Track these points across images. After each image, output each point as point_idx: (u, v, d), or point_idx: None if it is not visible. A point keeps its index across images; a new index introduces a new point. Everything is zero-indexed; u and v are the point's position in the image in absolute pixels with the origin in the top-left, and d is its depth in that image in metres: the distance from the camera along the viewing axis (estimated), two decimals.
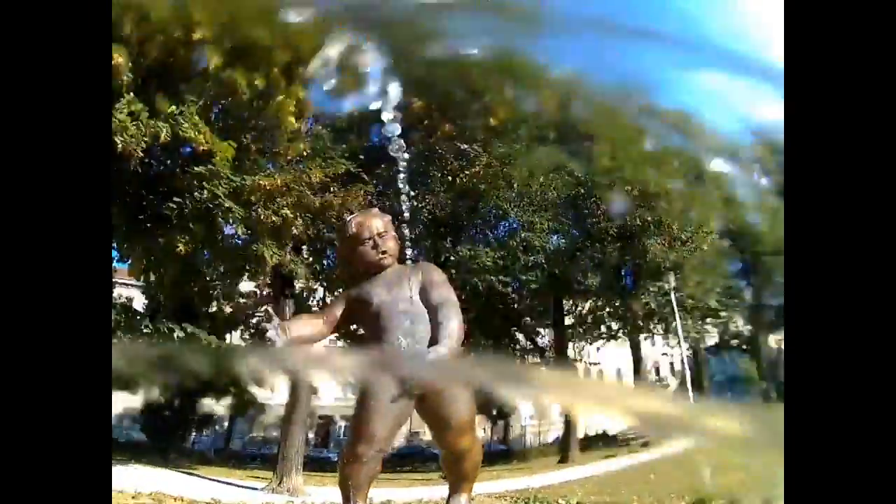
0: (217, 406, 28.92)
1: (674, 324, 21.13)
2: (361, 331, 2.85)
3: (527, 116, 17.05)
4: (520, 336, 26.93)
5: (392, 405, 2.47)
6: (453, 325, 2.47)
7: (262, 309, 2.53)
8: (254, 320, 27.23)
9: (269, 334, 2.42)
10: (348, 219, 2.87)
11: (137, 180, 8.88)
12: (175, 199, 8.58)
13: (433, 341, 2.46)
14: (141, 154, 7.46)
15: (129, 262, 9.70)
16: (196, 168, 8.37)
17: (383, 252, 2.73)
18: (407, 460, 21.86)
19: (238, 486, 12.19)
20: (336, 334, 2.99)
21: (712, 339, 32.00)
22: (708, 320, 24.22)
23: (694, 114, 27.06)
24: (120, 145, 7.04)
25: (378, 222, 2.77)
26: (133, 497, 7.19)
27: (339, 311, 2.77)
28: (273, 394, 34.29)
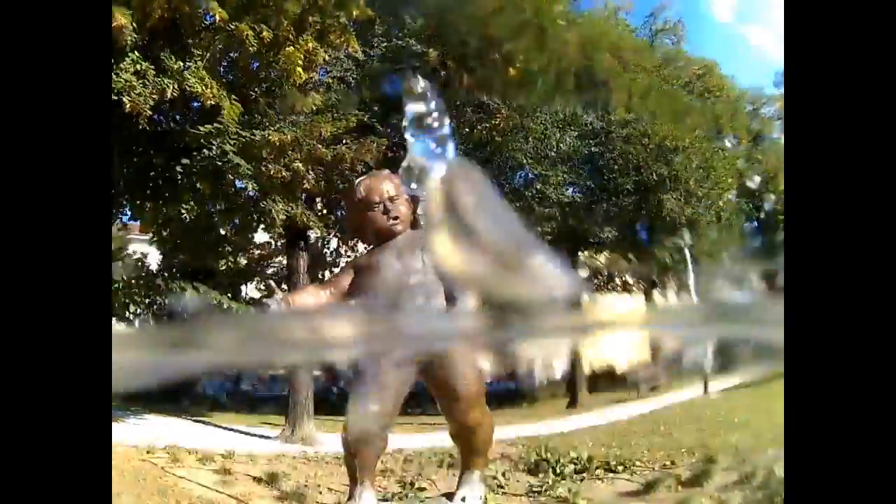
0: None
1: (688, 280, 21.00)
2: None
3: (546, 66, 16.61)
4: None
5: (392, 376, 2.37)
6: (468, 297, 2.29)
7: (264, 285, 2.47)
8: (269, 271, 27.73)
9: (271, 310, 2.35)
10: (357, 182, 2.74)
11: (145, 138, 8.82)
12: (183, 158, 8.53)
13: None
14: (149, 112, 7.36)
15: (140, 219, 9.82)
16: (204, 126, 8.27)
17: (395, 218, 2.59)
18: (415, 399, 22.09)
19: (251, 434, 12.48)
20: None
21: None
22: (722, 278, 24.00)
23: (717, 64, 26.43)
24: (128, 105, 6.96)
25: (389, 185, 2.62)
26: (147, 452, 7.43)
27: (346, 281, 2.65)
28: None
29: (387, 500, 4.28)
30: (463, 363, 2.41)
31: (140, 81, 7.09)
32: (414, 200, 2.65)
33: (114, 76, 6.79)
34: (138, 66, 7.10)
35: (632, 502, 5.23)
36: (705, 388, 16.97)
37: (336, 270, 20.29)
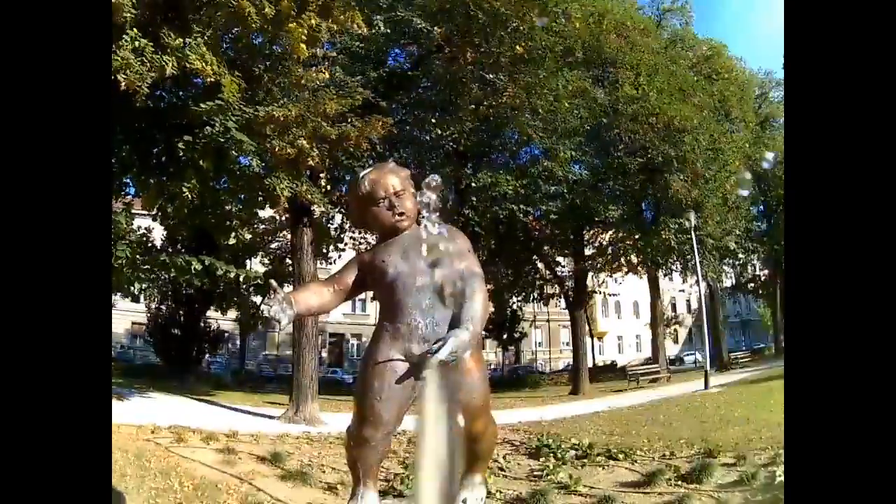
0: (224, 322, 29.44)
1: (692, 262, 20.98)
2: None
3: (554, 43, 16.37)
4: (540, 265, 27.03)
5: (398, 386, 2.29)
6: (477, 305, 2.20)
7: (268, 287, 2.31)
8: (273, 245, 27.70)
9: (272, 312, 2.24)
10: (360, 175, 2.54)
11: (147, 115, 8.69)
12: (185, 135, 8.40)
13: (454, 321, 2.20)
14: (147, 90, 7.22)
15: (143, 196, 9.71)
16: (206, 103, 8.12)
17: (400, 213, 2.45)
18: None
19: (255, 413, 12.54)
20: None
21: (730, 280, 31.84)
22: (726, 261, 23.95)
23: (726, 46, 26.06)
24: (123, 83, 6.82)
25: (395, 179, 2.47)
26: (152, 431, 7.48)
27: (350, 278, 2.53)
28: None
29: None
30: (469, 374, 2.33)
31: (138, 59, 6.93)
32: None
33: None
34: (136, 44, 6.93)
35: (632, 494, 5.24)
36: (706, 383, 17.06)
37: (340, 247, 20.21)
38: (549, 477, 5.93)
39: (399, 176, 2.50)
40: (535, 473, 6.19)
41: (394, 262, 2.39)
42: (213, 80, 7.83)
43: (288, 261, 20.40)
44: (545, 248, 24.92)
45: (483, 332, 2.70)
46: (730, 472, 5.49)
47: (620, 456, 6.56)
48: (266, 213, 17.88)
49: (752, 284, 37.69)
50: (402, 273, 2.36)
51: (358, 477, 2.38)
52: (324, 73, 10.95)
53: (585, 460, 6.58)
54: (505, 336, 32.78)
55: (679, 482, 5.40)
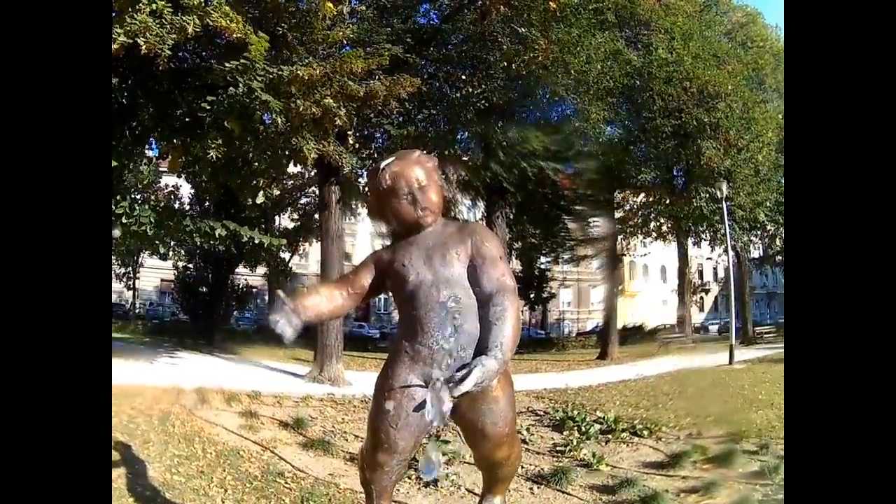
0: (253, 277, 29.62)
1: (721, 230, 20.56)
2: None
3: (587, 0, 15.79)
4: (572, 226, 26.67)
5: (416, 414, 2.09)
6: (508, 328, 1.94)
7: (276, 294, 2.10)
8: (302, 201, 27.75)
9: (275, 324, 2.07)
10: (381, 166, 2.26)
11: (170, 76, 8.55)
12: (209, 96, 8.25)
13: (481, 344, 1.97)
14: (168, 52, 7.05)
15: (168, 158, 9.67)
16: (229, 62, 7.93)
17: (424, 209, 2.21)
18: None
19: (280, 371, 12.70)
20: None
21: (757, 251, 31.15)
22: (754, 232, 23.39)
23: (761, 14, 24.98)
24: (144, 47, 6.66)
25: (419, 171, 2.22)
26: (177, 394, 7.58)
27: (367, 280, 2.32)
28: (307, 262, 35.52)
29: None
30: (495, 402, 2.15)
31: (157, 22, 6.74)
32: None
33: (128, 18, 6.50)
34: (154, 6, 6.73)
35: (656, 477, 5.15)
36: (731, 358, 16.82)
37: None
38: (571, 453, 5.88)
39: (424, 167, 2.25)
40: (558, 449, 6.14)
41: (415, 267, 2.17)
42: (238, 38, 7.62)
43: (316, 216, 20.41)
44: (577, 207, 24.54)
45: None
46: (752, 461, 5.38)
47: (645, 433, 6.48)
48: (295, 168, 17.80)
49: (780, 257, 37.06)
50: (424, 282, 2.13)
51: (371, 497, 2.26)
52: (350, 29, 10.67)
53: (610, 436, 6.50)
54: (532, 296, 32.58)
55: (704, 465, 5.32)
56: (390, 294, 2.33)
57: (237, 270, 24.20)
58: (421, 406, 2.06)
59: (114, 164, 8.50)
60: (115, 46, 6.52)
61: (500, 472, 2.40)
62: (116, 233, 9.38)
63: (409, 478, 4.61)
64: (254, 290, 28.24)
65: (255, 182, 11.96)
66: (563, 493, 4.84)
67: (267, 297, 34.16)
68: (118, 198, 8.90)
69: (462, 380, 1.78)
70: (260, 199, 11.70)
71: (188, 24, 6.96)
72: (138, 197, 9.94)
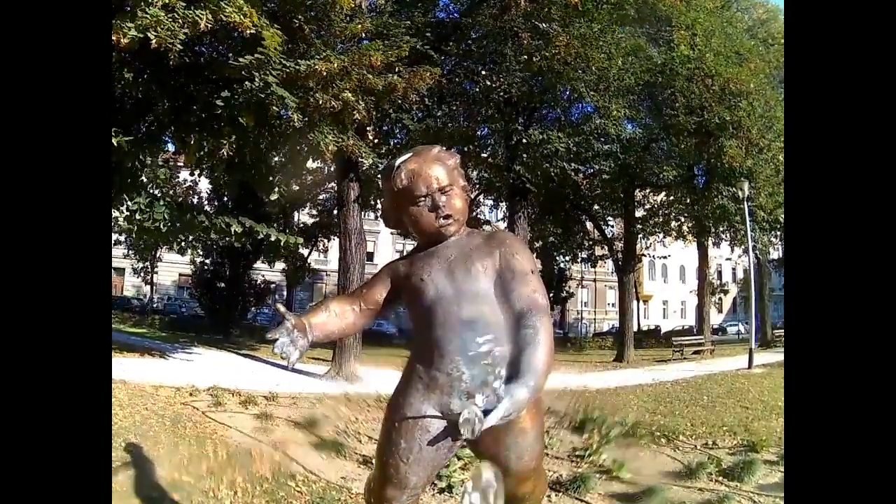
0: (271, 273, 29.53)
1: (742, 231, 20.26)
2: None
3: None
4: (589, 226, 26.55)
5: (430, 448, 1.86)
6: (540, 354, 1.65)
7: (273, 304, 1.78)
8: (321, 197, 27.77)
9: (279, 348, 1.77)
10: (396, 164, 1.96)
11: (184, 71, 8.49)
12: (224, 91, 8.18)
13: (509, 370, 1.68)
14: (180, 47, 6.95)
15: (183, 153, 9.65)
16: (244, 57, 7.84)
17: (446, 216, 1.92)
18: None
19: (297, 370, 12.55)
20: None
21: (777, 252, 30.68)
22: (774, 234, 22.99)
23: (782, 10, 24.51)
24: (154, 41, 6.57)
25: (440, 171, 1.93)
26: (191, 394, 7.52)
27: (381, 294, 2.05)
28: (327, 258, 35.58)
29: None
30: (522, 434, 1.90)
31: (169, 16, 6.64)
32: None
33: (139, 13, 6.42)
34: (166, 0, 6.64)
35: (673, 487, 4.99)
36: (750, 362, 16.53)
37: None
38: (591, 458, 5.73)
39: (446, 166, 1.96)
40: (578, 453, 5.98)
41: (435, 282, 1.90)
42: (252, 32, 7.51)
43: (335, 212, 20.41)
44: (595, 207, 24.39)
45: None
46: (772, 472, 5.23)
47: (664, 440, 6.32)
48: (313, 163, 17.77)
49: None
50: (444, 298, 1.86)
51: None
52: (369, 22, 10.57)
53: (629, 440, 6.35)
54: (551, 295, 32.49)
55: (720, 478, 5.16)
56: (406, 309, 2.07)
57: (255, 266, 24.28)
58: (436, 440, 1.85)
59: (128, 159, 8.47)
60: (126, 41, 6.45)
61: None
62: (123, 224, 9.35)
63: None
64: (272, 285, 28.34)
65: (270, 179, 11.87)
66: (582, 501, 4.70)
67: (285, 294, 34.35)
68: (133, 194, 8.87)
69: (487, 412, 1.53)
70: (273, 196, 11.55)
71: (200, 18, 6.85)
72: (156, 192, 9.85)
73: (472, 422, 1.51)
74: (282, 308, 1.86)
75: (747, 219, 18.88)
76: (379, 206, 20.25)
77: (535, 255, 26.72)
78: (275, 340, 1.77)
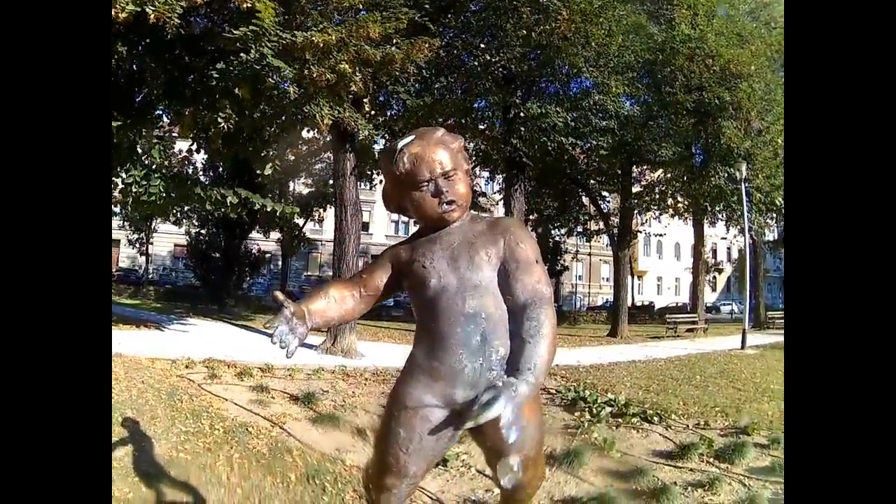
0: (266, 243, 29.45)
1: (738, 212, 20.30)
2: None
3: None
4: (586, 200, 26.52)
5: (430, 437, 1.87)
6: (542, 347, 1.69)
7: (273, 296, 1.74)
8: (317, 167, 27.56)
9: (277, 336, 1.72)
10: (399, 147, 1.90)
11: (180, 43, 8.35)
12: (219, 63, 8.05)
13: (511, 362, 1.73)
14: (177, 20, 6.81)
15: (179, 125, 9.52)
16: (239, 29, 7.70)
17: (449, 202, 1.89)
18: None
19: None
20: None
21: (772, 234, 30.77)
22: (770, 215, 23.02)
23: None
24: (152, 15, 6.44)
25: (443, 155, 1.88)
26: (186, 366, 7.53)
27: (382, 280, 2.02)
28: (322, 228, 35.50)
29: None
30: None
31: None
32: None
33: None
34: None
35: (664, 467, 5.07)
36: (743, 342, 16.65)
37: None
38: (582, 436, 5.81)
39: (449, 149, 1.91)
40: (570, 430, 6.06)
41: (437, 270, 1.87)
42: (248, 5, 7.38)
43: (331, 182, 20.26)
44: (592, 182, 24.36)
45: None
46: (762, 456, 5.30)
47: (655, 419, 6.37)
48: (309, 133, 17.58)
49: None
50: (447, 288, 1.84)
51: None
52: None
53: (621, 419, 6.41)
54: (546, 266, 32.54)
55: (711, 459, 5.25)
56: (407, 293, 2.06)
57: (251, 236, 24.18)
58: (437, 430, 1.85)
59: (123, 133, 8.38)
60: (123, 15, 6.33)
61: (520, 495, 2.14)
62: (119, 197, 9.27)
63: None
64: (267, 255, 28.32)
65: (265, 153, 11.75)
66: (576, 476, 4.78)
67: (280, 263, 34.33)
68: (128, 166, 8.79)
69: (487, 405, 1.54)
70: (268, 171, 11.40)
71: None
72: (149, 164, 9.74)
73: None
74: (280, 296, 1.81)
75: (744, 200, 18.90)
76: (374, 176, 20.15)
77: (530, 226, 26.75)
78: (274, 329, 1.74)
